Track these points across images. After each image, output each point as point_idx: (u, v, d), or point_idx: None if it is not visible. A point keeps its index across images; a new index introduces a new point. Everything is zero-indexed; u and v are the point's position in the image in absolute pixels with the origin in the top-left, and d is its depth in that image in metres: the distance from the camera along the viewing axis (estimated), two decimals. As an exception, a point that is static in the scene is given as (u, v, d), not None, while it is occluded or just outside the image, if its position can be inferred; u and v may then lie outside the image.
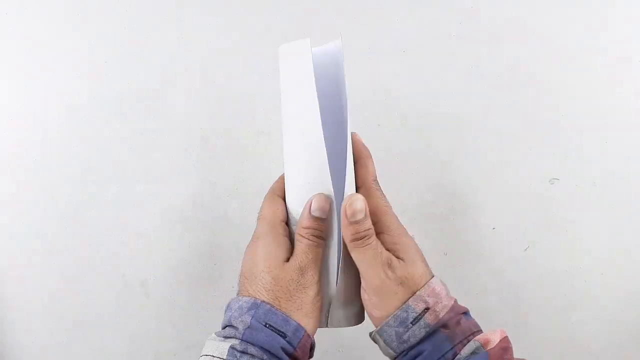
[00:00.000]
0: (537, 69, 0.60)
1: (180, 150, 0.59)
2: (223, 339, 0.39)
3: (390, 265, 0.41)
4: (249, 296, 0.40)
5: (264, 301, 0.40)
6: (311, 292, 0.41)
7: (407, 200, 0.60)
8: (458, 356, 0.39)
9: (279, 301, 0.40)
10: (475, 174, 0.60)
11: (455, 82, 0.60)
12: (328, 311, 0.45)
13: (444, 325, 0.40)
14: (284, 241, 0.42)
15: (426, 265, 0.42)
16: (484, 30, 0.59)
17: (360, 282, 0.43)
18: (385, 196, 0.44)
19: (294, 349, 0.39)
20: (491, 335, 0.40)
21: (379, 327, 0.41)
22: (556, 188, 0.60)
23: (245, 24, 0.58)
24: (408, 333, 0.40)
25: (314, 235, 0.41)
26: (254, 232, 0.44)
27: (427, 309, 0.40)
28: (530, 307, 0.61)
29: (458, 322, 0.40)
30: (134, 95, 0.58)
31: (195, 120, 0.58)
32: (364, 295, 0.42)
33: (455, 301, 0.42)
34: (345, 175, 0.43)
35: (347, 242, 0.41)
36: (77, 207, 0.58)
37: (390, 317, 0.40)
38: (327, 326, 0.45)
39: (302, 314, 0.40)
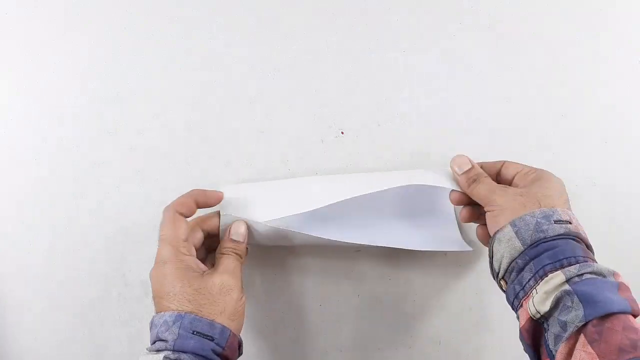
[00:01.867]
0: (537, 68, 0.60)
1: (181, 150, 0.59)
2: (155, 352, 0.43)
3: (507, 187, 0.47)
4: (171, 311, 0.44)
5: (187, 312, 0.43)
6: (234, 294, 0.46)
7: (407, 200, 0.60)
8: (590, 263, 0.39)
9: (202, 308, 0.44)
10: (475, 174, 0.60)
11: (455, 82, 0.60)
12: None
13: (580, 242, 0.41)
14: (191, 260, 0.47)
15: (565, 202, 0.45)
16: (484, 30, 0.59)
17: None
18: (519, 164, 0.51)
19: (222, 348, 0.43)
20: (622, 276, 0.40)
21: (519, 216, 0.42)
22: (556, 188, 0.60)
23: (245, 24, 0.58)
24: (548, 226, 0.41)
25: (235, 252, 0.49)
26: (158, 254, 0.47)
27: (569, 222, 0.42)
28: (530, 307, 0.61)
29: (591, 250, 0.43)
30: (133, 95, 0.58)
31: (195, 120, 0.58)
32: (488, 216, 0.46)
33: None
34: None
35: (465, 190, 0.49)
36: (77, 207, 0.58)
37: (536, 210, 0.42)
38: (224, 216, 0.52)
39: (225, 316, 0.44)
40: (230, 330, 0.44)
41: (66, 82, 0.57)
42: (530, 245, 0.40)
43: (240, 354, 0.47)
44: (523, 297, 0.40)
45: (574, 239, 0.41)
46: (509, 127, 0.60)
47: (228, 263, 0.48)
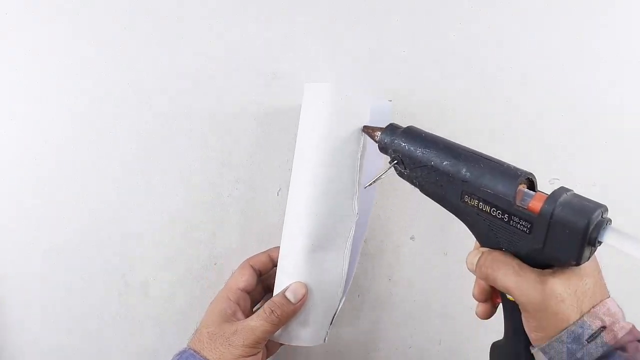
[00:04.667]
0: (537, 68, 0.60)
1: (180, 150, 0.59)
2: None
3: (543, 282, 0.38)
4: (187, 346, 0.48)
5: (191, 348, 0.47)
6: (236, 352, 0.46)
7: (407, 200, 0.60)
8: None
9: (205, 350, 0.46)
10: (475, 174, 0.60)
11: (455, 82, 0.60)
12: (329, 327, 0.51)
13: (622, 348, 0.37)
14: (231, 305, 0.50)
15: (599, 282, 0.39)
16: (484, 31, 0.59)
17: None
18: None
19: None
20: None
21: (548, 342, 0.37)
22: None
23: (245, 24, 0.58)
24: (582, 351, 0.36)
25: (270, 309, 0.47)
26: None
27: (603, 327, 0.37)
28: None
29: (637, 349, 0.37)
30: (133, 96, 0.58)
31: (195, 120, 0.58)
32: (525, 318, 0.40)
33: (634, 326, 0.39)
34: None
35: (483, 279, 0.44)
36: (76, 207, 0.58)
37: (563, 332, 0.37)
38: (324, 341, 0.51)
39: None
40: None
41: (66, 82, 0.57)
42: None
43: None
44: None
45: (614, 351, 0.36)
46: (509, 127, 0.60)
47: (252, 319, 0.48)
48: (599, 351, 0.36)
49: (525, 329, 0.40)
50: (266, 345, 0.52)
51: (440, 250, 0.61)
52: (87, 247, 0.59)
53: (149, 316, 0.60)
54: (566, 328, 0.37)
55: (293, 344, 0.50)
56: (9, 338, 0.59)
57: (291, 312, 0.48)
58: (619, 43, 0.60)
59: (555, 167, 0.60)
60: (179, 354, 0.47)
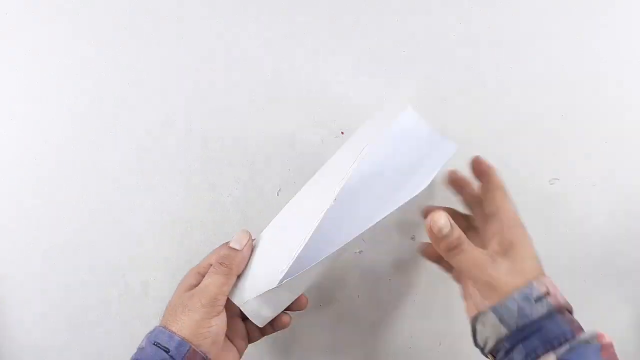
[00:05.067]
0: (537, 69, 0.60)
1: (180, 150, 0.59)
2: None
3: (494, 261, 0.43)
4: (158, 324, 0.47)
5: (159, 325, 0.46)
6: (196, 315, 0.45)
7: (407, 200, 0.60)
8: (577, 337, 0.40)
9: (169, 323, 0.45)
10: (475, 174, 0.60)
11: (455, 82, 0.60)
12: (250, 297, 0.47)
13: (562, 313, 0.41)
14: (196, 278, 0.49)
15: (539, 264, 0.44)
16: (484, 31, 0.59)
17: (296, 296, 0.49)
18: (507, 201, 0.48)
19: None
20: (604, 333, 0.41)
21: (498, 301, 0.42)
22: (556, 188, 0.60)
23: (245, 24, 0.58)
24: (531, 309, 0.41)
25: (218, 262, 0.47)
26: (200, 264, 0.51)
27: (548, 293, 0.42)
28: (530, 307, 0.61)
29: (571, 315, 0.43)
30: (133, 96, 0.58)
31: (195, 120, 0.58)
32: (472, 290, 0.45)
33: (567, 301, 0.43)
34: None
35: (442, 254, 0.45)
36: (76, 208, 0.58)
37: (514, 292, 0.41)
38: (239, 306, 0.48)
39: (189, 333, 0.44)
40: (190, 346, 0.43)
41: (66, 82, 0.57)
42: (517, 330, 0.41)
43: None
44: None
45: (556, 313, 0.41)
46: (509, 128, 0.60)
47: (204, 279, 0.47)
48: (544, 309, 0.41)
49: (469, 300, 0.45)
50: (247, 331, 0.51)
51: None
52: (87, 247, 0.58)
53: (149, 316, 0.60)
54: (518, 288, 0.41)
55: (235, 301, 0.48)
56: (9, 338, 0.59)
57: (240, 259, 0.47)
58: (619, 43, 0.60)
59: (555, 167, 0.60)
60: (148, 333, 0.46)
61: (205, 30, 0.57)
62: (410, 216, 0.60)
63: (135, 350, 0.45)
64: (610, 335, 0.41)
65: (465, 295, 0.47)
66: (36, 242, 0.58)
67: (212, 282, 0.46)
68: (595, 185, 0.61)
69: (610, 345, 0.40)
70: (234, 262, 0.47)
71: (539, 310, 0.41)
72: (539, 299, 0.41)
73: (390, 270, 0.61)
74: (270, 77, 0.59)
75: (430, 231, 0.44)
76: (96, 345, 0.60)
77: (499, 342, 0.42)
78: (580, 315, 0.48)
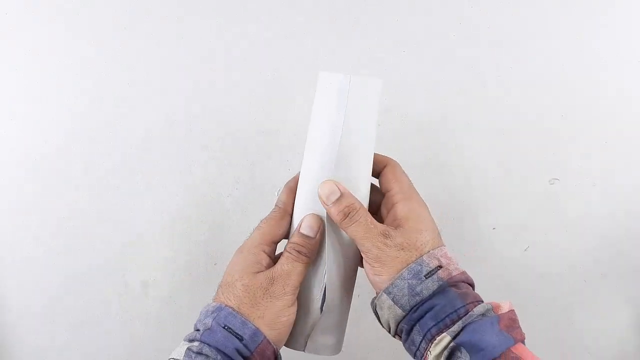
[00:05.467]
0: (537, 69, 0.60)
1: (181, 150, 0.59)
2: (188, 342, 0.41)
3: (386, 235, 0.41)
4: (218, 302, 0.42)
5: (228, 305, 0.41)
6: (279, 302, 0.42)
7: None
8: (470, 313, 0.39)
9: (243, 307, 0.41)
10: (475, 174, 0.60)
11: (455, 83, 0.60)
12: (308, 336, 0.46)
13: (456, 286, 0.40)
14: (264, 257, 0.44)
15: (436, 235, 0.43)
16: (484, 30, 0.59)
17: (346, 308, 0.47)
18: (399, 176, 0.45)
19: (251, 353, 0.40)
20: (501, 303, 0.40)
21: (389, 282, 0.40)
22: (556, 188, 0.60)
23: (245, 24, 0.58)
24: (421, 286, 0.40)
25: (296, 250, 0.43)
26: (246, 240, 0.45)
27: (439, 266, 0.40)
28: (531, 307, 0.61)
29: (467, 288, 0.41)
30: (134, 96, 0.58)
31: (195, 120, 0.58)
32: (365, 265, 0.43)
33: (465, 272, 0.42)
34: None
35: (338, 224, 0.42)
36: (77, 208, 0.58)
37: (403, 270, 0.40)
38: (304, 350, 0.46)
39: (264, 322, 0.41)
40: (264, 337, 0.40)
41: (66, 82, 0.57)
42: (411, 310, 0.40)
43: None
44: (421, 357, 0.41)
45: (449, 288, 0.40)
46: (509, 128, 0.60)
47: (283, 264, 0.43)
48: (435, 285, 0.39)
49: (368, 277, 0.43)
50: None
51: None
52: (87, 247, 0.59)
53: (149, 316, 0.60)
54: (407, 266, 0.40)
55: (295, 348, 0.47)
56: (9, 338, 0.59)
57: (315, 247, 0.44)
58: (619, 43, 0.60)
59: (555, 167, 0.60)
60: (214, 311, 0.41)
61: (205, 30, 0.57)
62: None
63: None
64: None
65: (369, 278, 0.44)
66: (36, 242, 0.58)
67: (294, 270, 0.43)
68: (595, 185, 0.61)
69: (508, 314, 0.39)
70: (310, 251, 0.43)
71: (429, 286, 0.39)
72: (429, 274, 0.40)
73: (390, 270, 0.61)
74: (270, 77, 0.59)
75: (321, 199, 0.42)
76: (96, 345, 0.60)
77: (398, 324, 0.41)
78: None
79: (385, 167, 0.46)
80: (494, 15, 0.59)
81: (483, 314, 0.39)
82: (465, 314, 0.39)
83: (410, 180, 0.46)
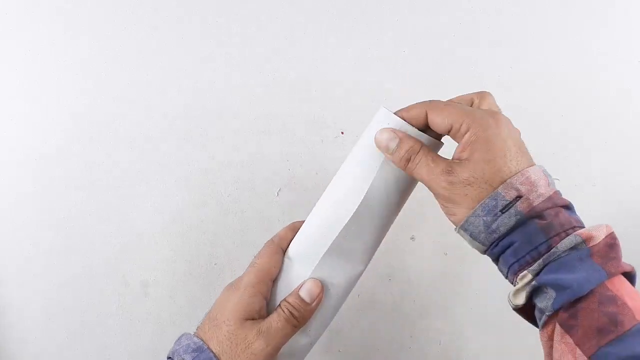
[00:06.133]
0: (537, 69, 0.60)
1: (180, 150, 0.59)
2: None
3: (449, 172, 0.38)
4: (200, 338, 0.41)
5: (210, 349, 0.40)
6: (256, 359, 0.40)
7: (407, 201, 0.60)
8: (554, 249, 0.35)
9: (223, 355, 0.40)
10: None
11: (455, 82, 0.60)
12: None
13: (539, 216, 0.36)
14: (258, 301, 0.42)
15: (518, 158, 0.38)
16: (484, 31, 0.59)
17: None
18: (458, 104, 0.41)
19: None
20: (595, 231, 0.36)
21: (463, 220, 0.38)
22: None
23: (245, 24, 0.58)
24: (497, 222, 0.36)
25: (289, 311, 0.41)
26: (241, 277, 0.44)
27: (519, 197, 0.36)
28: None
29: (557, 214, 0.37)
30: (134, 96, 0.58)
31: (195, 120, 0.58)
32: (439, 205, 0.40)
33: (557, 192, 0.38)
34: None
35: (404, 171, 0.41)
36: (77, 208, 0.58)
37: (477, 207, 0.37)
38: None
39: None
40: None
41: (66, 82, 0.57)
42: (491, 246, 0.38)
43: None
44: (512, 283, 0.39)
45: (529, 220, 0.36)
46: (509, 127, 0.60)
47: (273, 321, 0.41)
48: (512, 220, 0.36)
49: (445, 214, 0.41)
50: None
51: (440, 250, 0.61)
52: (87, 247, 0.59)
53: (149, 316, 0.60)
54: (480, 203, 0.37)
55: None
56: (9, 338, 0.59)
57: (308, 313, 0.42)
58: (619, 43, 0.60)
59: (555, 167, 0.60)
60: (195, 349, 0.40)
61: (205, 31, 0.57)
62: (410, 216, 0.60)
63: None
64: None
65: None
66: (36, 243, 0.58)
67: (282, 330, 0.41)
68: (595, 185, 0.61)
69: (604, 242, 0.36)
70: (302, 317, 0.42)
71: (506, 222, 0.36)
72: (505, 208, 0.36)
73: (390, 270, 0.61)
74: (270, 77, 0.59)
75: (381, 149, 0.41)
76: (96, 345, 0.60)
77: (484, 253, 0.39)
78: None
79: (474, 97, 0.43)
80: (494, 15, 0.59)
81: (572, 247, 0.35)
82: (548, 250, 0.36)
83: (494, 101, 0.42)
